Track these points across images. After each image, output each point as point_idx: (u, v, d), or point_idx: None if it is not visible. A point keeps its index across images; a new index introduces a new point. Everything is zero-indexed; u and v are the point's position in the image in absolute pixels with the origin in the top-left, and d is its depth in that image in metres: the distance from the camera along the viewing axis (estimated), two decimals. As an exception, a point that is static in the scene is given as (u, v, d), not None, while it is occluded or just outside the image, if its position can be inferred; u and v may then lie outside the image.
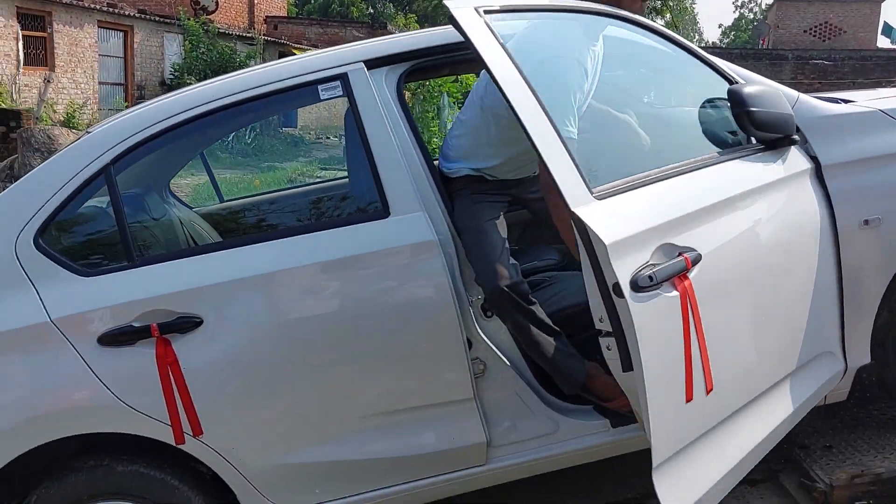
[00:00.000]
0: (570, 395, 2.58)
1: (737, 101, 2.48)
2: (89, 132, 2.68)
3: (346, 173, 3.52)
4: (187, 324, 2.37)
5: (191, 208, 3.45)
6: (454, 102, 13.27)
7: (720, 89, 2.63)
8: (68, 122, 12.49)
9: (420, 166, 2.54)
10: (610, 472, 2.96)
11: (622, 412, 2.52)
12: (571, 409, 2.57)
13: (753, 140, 2.56)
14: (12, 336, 2.36)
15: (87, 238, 2.67)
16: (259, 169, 12.72)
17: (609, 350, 2.07)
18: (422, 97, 11.12)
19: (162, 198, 3.17)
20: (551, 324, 2.55)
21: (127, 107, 15.37)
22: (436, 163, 2.76)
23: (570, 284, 2.80)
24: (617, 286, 1.95)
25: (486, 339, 2.50)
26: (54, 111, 13.10)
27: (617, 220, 2.01)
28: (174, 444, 2.38)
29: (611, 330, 2.00)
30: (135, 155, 2.54)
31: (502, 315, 2.50)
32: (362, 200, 2.77)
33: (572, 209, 1.96)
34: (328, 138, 15.03)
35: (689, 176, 2.31)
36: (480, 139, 2.71)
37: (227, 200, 3.73)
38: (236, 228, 3.47)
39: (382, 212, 2.48)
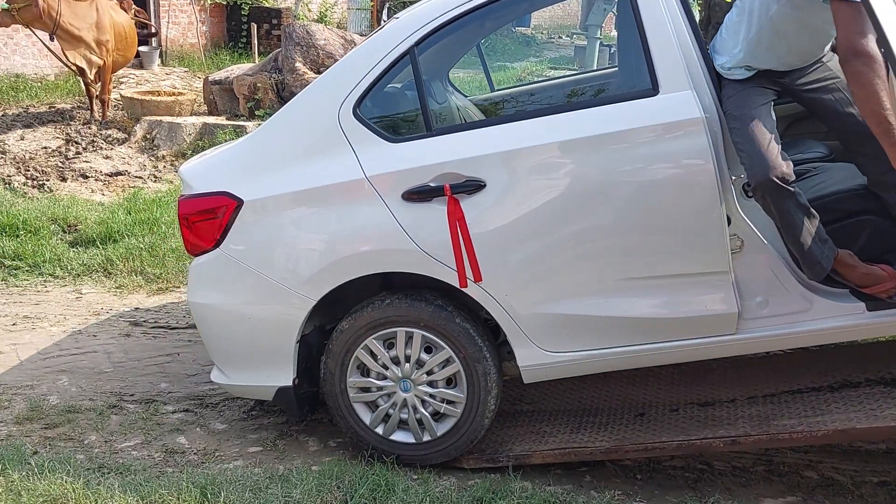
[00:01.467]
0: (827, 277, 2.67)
1: None
2: (397, 18, 3.07)
3: (577, 72, 3.66)
4: (473, 186, 2.74)
5: (465, 96, 3.80)
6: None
7: None
8: (321, 20, 13.46)
9: (691, 46, 2.67)
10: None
11: (879, 297, 2.60)
12: (826, 290, 2.67)
13: None
14: (337, 188, 2.86)
15: (393, 110, 3.09)
16: (491, 68, 12.98)
17: None
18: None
19: (444, 86, 3.54)
20: (811, 208, 2.63)
21: (372, 5, 16.18)
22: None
23: (836, 174, 2.85)
24: None
25: (745, 217, 2.65)
26: (309, 10, 14.14)
27: None
28: (458, 287, 2.80)
29: None
30: (434, 38, 2.89)
31: (765, 200, 2.60)
32: (632, 79, 2.95)
33: None
34: (560, 38, 14.99)
35: None
36: (756, 34, 2.70)
37: (498, 90, 4.05)
38: (507, 114, 3.78)
39: (652, 90, 2.66)
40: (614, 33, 14.23)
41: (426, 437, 2.97)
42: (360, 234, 2.87)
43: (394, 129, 3.00)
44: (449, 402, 2.94)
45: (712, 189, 2.60)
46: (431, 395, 2.94)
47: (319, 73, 9.34)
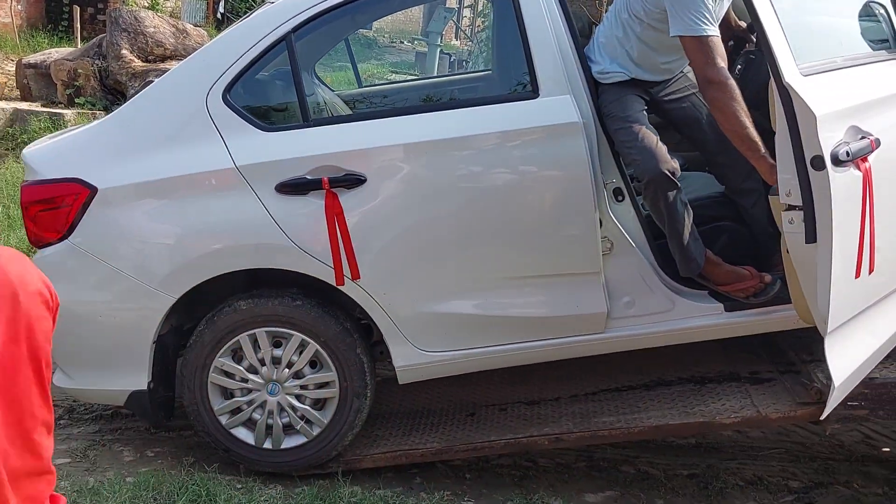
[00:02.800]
0: (687, 279, 2.81)
1: None
2: (272, 3, 2.92)
3: (457, 73, 3.66)
4: (352, 180, 2.65)
5: (332, 91, 3.69)
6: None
7: None
8: (153, 7, 12.68)
9: (570, 51, 2.72)
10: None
11: (736, 298, 2.78)
12: (688, 291, 2.81)
13: None
14: (204, 178, 2.68)
15: (267, 98, 2.94)
16: (332, 68, 12.82)
17: (791, 223, 2.21)
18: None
19: (311, 78, 3.41)
20: (689, 205, 2.74)
21: (206, -4, 15.46)
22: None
23: (694, 182, 3.02)
24: (818, 159, 2.07)
25: (615, 220, 2.74)
26: (139, -4, 13.32)
27: (821, 96, 2.15)
28: (334, 285, 2.70)
29: (797, 204, 2.14)
30: (313, 25, 2.78)
31: (656, 195, 2.68)
32: (513, 82, 2.98)
33: (786, 80, 2.09)
34: (402, 42, 15.04)
35: (872, 67, 2.46)
36: (627, 45, 2.79)
37: (366, 87, 3.96)
38: (387, 109, 3.69)
39: (532, 93, 2.70)
40: (455, 42, 14.50)
41: (267, 445, 2.84)
42: (228, 228, 2.69)
43: (267, 117, 2.85)
44: (308, 422, 2.82)
45: (587, 192, 2.67)
46: (293, 408, 2.81)
47: (148, 61, 8.80)
